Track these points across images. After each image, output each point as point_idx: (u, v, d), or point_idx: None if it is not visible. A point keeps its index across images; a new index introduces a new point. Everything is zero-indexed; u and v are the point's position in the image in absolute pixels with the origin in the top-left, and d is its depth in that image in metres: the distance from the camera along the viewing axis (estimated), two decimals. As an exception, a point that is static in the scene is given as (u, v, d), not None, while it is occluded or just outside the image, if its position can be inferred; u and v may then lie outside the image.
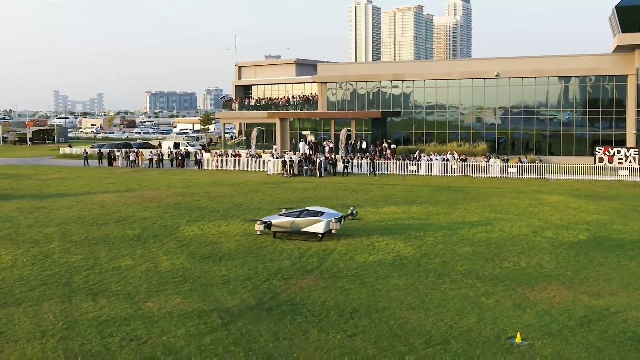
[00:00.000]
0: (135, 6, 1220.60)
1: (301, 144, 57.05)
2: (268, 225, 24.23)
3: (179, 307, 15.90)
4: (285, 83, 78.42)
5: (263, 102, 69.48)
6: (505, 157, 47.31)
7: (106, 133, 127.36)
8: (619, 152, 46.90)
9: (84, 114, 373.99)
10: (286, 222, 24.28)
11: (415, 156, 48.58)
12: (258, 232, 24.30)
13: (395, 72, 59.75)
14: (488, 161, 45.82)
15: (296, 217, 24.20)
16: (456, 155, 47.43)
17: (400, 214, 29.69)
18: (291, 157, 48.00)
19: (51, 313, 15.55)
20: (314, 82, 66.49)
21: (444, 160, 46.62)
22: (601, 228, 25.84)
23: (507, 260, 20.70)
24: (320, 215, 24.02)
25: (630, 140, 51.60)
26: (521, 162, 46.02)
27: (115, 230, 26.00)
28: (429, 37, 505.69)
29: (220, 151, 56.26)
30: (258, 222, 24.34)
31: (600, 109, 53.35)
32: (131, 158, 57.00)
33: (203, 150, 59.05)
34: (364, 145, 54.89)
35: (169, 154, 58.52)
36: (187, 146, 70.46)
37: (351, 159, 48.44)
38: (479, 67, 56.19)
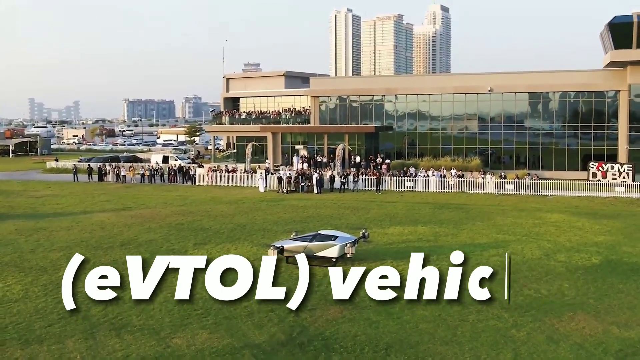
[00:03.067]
0: (110, 11, 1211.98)
1: (295, 159, 56.86)
2: (281, 250, 23.96)
3: (209, 344, 15.57)
4: (274, 95, 78.35)
5: (254, 115, 69.15)
6: (502, 173, 47.46)
7: (89, 144, 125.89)
8: (612, 167, 47.28)
9: (62, 123, 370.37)
10: (299, 246, 24.01)
11: (412, 172, 48.54)
12: None
13: (389, 87, 59.86)
14: (484, 177, 45.95)
15: (309, 242, 23.96)
16: (454, 172, 47.51)
17: (407, 235, 29.57)
18: (288, 174, 47.72)
19: (77, 352, 15.15)
20: (304, 95, 66.40)
21: (441, 176, 46.64)
22: (611, 251, 25.93)
23: (527, 287, 20.64)
24: (334, 240, 23.81)
25: (622, 155, 52.19)
26: (518, 178, 46.22)
27: (122, 255, 25.40)
28: (409, 46, 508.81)
29: (215, 166, 55.73)
30: (271, 248, 24.06)
31: (593, 124, 53.94)
32: (122, 173, 56.28)
33: (196, 166, 58.46)
34: (358, 159, 54.88)
35: (158, 169, 57.57)
36: (176, 160, 69.88)
37: (348, 174, 48.23)
38: (473, 82, 56.54)
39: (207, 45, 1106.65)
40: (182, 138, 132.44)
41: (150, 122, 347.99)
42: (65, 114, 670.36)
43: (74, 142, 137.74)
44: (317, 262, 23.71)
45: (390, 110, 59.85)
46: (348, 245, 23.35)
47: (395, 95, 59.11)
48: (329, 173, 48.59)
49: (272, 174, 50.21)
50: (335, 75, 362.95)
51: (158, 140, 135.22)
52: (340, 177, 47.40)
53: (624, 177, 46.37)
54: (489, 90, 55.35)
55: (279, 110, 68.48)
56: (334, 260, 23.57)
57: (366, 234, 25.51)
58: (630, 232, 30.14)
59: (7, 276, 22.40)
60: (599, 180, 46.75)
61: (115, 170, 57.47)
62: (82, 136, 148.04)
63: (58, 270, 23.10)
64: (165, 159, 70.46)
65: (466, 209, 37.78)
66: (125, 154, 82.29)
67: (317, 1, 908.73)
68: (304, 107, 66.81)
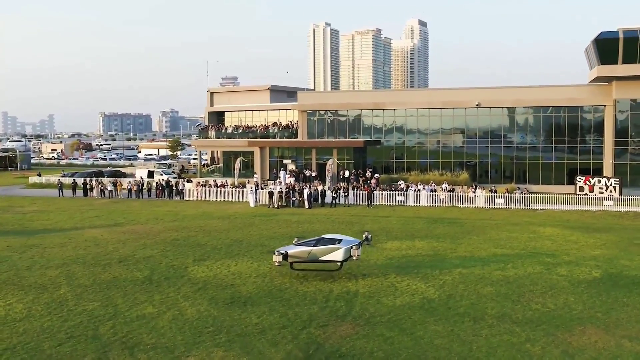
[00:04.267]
0: (83, 25, 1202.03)
1: (282, 173, 56.79)
2: (285, 256, 23.80)
3: (226, 363, 15.38)
4: (259, 110, 78.28)
5: (240, 129, 68.98)
6: (493, 187, 47.81)
7: (70, 159, 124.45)
8: (599, 181, 47.87)
9: (37, 137, 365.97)
10: (303, 251, 23.84)
11: (402, 186, 48.70)
12: (276, 264, 23.92)
13: (377, 101, 60.13)
14: (475, 191, 46.25)
15: (313, 247, 23.78)
16: (444, 186, 47.75)
17: (406, 250, 29.60)
18: (280, 189, 47.60)
19: (93, 372, 14.85)
20: (292, 109, 66.39)
21: (431, 190, 46.85)
22: (609, 264, 26.19)
23: (534, 301, 20.73)
24: (338, 243, 23.66)
25: (607, 169, 52.92)
26: (508, 192, 46.59)
27: (122, 272, 25.19)
28: (387, 60, 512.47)
29: (203, 181, 55.40)
30: (275, 254, 23.91)
31: (579, 138, 54.66)
32: (109, 189, 55.69)
33: (184, 181, 58.02)
34: (347, 174, 54.95)
35: (144, 184, 56.99)
36: (161, 174, 69.36)
37: (339, 188, 48.24)
38: (460, 96, 57.05)
39: (183, 59, 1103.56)
40: (163, 152, 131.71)
41: (128, 136, 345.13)
42: (39, 128, 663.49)
43: (52, 156, 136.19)
44: (322, 267, 23.72)
45: (378, 124, 60.09)
46: (354, 247, 23.26)
47: (383, 109, 59.37)
48: (320, 187, 48.55)
49: (262, 188, 50.02)
50: (314, 89, 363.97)
51: (139, 155, 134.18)
52: (332, 191, 47.37)
53: (610, 191, 46.96)
54: (477, 105, 55.89)
55: (266, 125, 68.38)
56: (339, 263, 23.49)
57: (369, 237, 25.39)
58: (625, 246, 30.50)
59: (7, 294, 21.97)
60: (586, 194, 47.25)
61: (101, 185, 56.88)
62: (62, 150, 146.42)
63: (58, 288, 22.78)
64: (151, 174, 69.92)
65: (460, 224, 37.97)
66: (108, 168, 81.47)
67: (296, 15, 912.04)
68: (291, 121, 66.79)
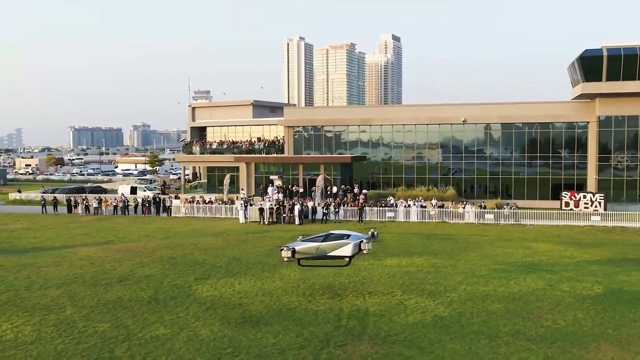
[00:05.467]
0: (48, 34, 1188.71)
1: (270, 189, 56.66)
2: (293, 252, 23.64)
3: (252, 385, 15.25)
4: (242, 125, 78.08)
5: (225, 144, 68.77)
6: (482, 203, 48.31)
7: (46, 174, 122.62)
8: (584, 196, 48.69)
9: (7, 151, 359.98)
10: (311, 247, 23.68)
11: (392, 202, 48.96)
12: (285, 259, 23.81)
13: (363, 117, 60.48)
14: (464, 207, 46.68)
15: (321, 242, 23.63)
16: (434, 202, 48.12)
17: (406, 266, 29.72)
18: (271, 205, 47.51)
19: (119, 397, 14.62)
20: (278, 124, 66.41)
21: (421, 206, 47.17)
22: (609, 279, 26.61)
23: (543, 318, 20.95)
24: (347, 238, 23.57)
25: (591, 184, 53.85)
26: (498, 207, 47.10)
27: (125, 292, 24.89)
28: (361, 74, 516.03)
29: (191, 198, 55.06)
30: (284, 249, 23.74)
31: (563, 154, 55.59)
32: (94, 205, 55.02)
33: (172, 197, 57.59)
34: (335, 189, 55.04)
35: (128, 201, 56.34)
36: (144, 190, 68.82)
37: (329, 204, 48.30)
38: (447, 112, 57.68)
39: (153, 71, 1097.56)
40: (141, 167, 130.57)
41: (100, 150, 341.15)
42: (7, 142, 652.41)
43: (27, 171, 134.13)
44: (330, 263, 23.59)
45: (365, 140, 60.40)
46: (364, 241, 23.14)
47: (370, 125, 59.73)
48: (311, 204, 48.57)
49: (251, 204, 49.84)
50: (288, 102, 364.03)
51: (116, 170, 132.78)
52: (322, 207, 47.41)
53: (596, 207, 47.77)
54: (463, 121, 56.56)
55: (251, 140, 68.25)
56: (348, 259, 23.40)
57: (375, 233, 25.36)
58: (619, 261, 31.04)
59: (12, 316, 21.55)
60: (571, 209, 48.01)
61: (85, 202, 56.19)
62: (36, 165, 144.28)
63: (63, 309, 22.41)
64: (133, 190, 69.36)
65: (454, 239, 38.27)
66: (89, 184, 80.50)
67: (270, 29, 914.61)
68: (277, 137, 66.79)
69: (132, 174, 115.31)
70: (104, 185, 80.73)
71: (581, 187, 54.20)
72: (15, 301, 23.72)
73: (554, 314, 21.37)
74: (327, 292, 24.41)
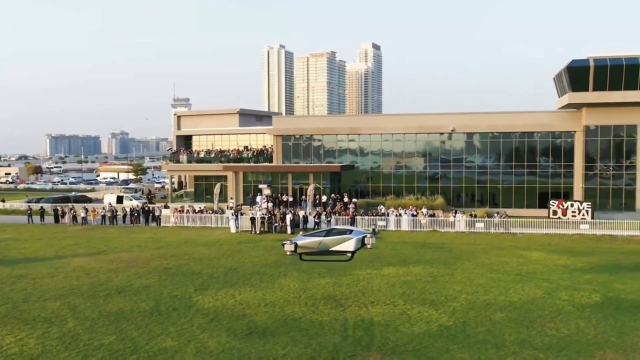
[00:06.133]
0: (26, 41, 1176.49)
1: (259, 198, 56.64)
2: (296, 247, 23.63)
3: (268, 397, 15.25)
4: (229, 134, 77.88)
5: (212, 153, 68.57)
6: (473, 212, 48.70)
7: (27, 183, 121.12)
8: (572, 205, 49.25)
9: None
10: (313, 242, 23.69)
11: (383, 211, 49.17)
12: (288, 253, 23.76)
13: (353, 126, 60.68)
14: (455, 216, 47.01)
15: (324, 237, 23.66)
16: (425, 210, 48.41)
17: (404, 276, 29.85)
18: (262, 214, 47.46)
19: (136, 411, 14.53)
20: (266, 133, 66.37)
21: (412, 215, 47.42)
22: (605, 288, 26.98)
23: (547, 326, 21.19)
24: (349, 234, 23.62)
25: (578, 193, 54.54)
26: (488, 216, 47.50)
27: (126, 304, 24.71)
28: (342, 83, 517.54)
29: (180, 207, 54.79)
30: (288, 243, 23.70)
31: (550, 162, 56.27)
32: (82, 215, 54.51)
33: (162, 206, 57.23)
34: (324, 198, 55.14)
35: (116, 210, 55.92)
36: (131, 200, 68.33)
37: (321, 213, 48.37)
38: (435, 121, 58.09)
39: (129, 78, 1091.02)
40: (123, 176, 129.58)
41: (78, 158, 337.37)
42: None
43: (7, 180, 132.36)
44: (332, 258, 23.57)
45: (353, 148, 60.62)
46: (368, 236, 23.19)
47: (359, 134, 59.94)
48: (302, 213, 48.61)
49: (242, 214, 49.74)
50: (269, 110, 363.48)
51: (99, 178, 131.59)
52: (314, 216, 47.48)
53: (583, 215, 48.35)
54: (452, 130, 57.03)
55: (239, 149, 68.13)
56: (350, 254, 23.45)
57: (376, 230, 25.48)
58: (613, 269, 31.47)
59: (14, 329, 21.30)
60: (559, 217, 48.53)
61: (73, 211, 55.67)
62: (17, 174, 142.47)
63: (65, 322, 22.20)
64: (120, 199, 68.82)
65: (447, 248, 38.52)
66: (73, 193, 79.70)
67: (250, 37, 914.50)
68: (265, 146, 66.75)
69: (116, 182, 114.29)
70: (89, 195, 79.94)
71: (568, 195, 54.87)
72: (15, 313, 23.43)
73: (557, 323, 21.62)
74: (329, 302, 24.45)
